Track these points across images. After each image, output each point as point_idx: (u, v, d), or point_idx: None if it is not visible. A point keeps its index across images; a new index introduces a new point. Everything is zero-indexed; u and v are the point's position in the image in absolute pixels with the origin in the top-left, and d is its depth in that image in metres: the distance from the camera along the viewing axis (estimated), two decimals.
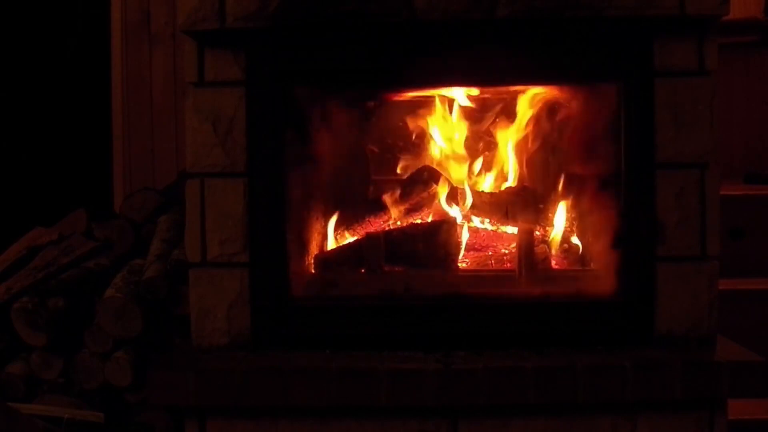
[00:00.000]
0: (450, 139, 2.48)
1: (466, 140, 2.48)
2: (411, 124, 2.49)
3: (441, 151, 2.50)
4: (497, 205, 2.39)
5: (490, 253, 2.39)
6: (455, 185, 2.45)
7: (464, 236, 2.35)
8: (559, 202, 2.36)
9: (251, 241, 2.11)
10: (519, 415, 1.99)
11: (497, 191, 2.46)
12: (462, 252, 2.33)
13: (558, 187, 2.37)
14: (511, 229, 2.39)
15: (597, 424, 1.99)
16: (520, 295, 2.17)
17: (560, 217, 2.34)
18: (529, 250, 2.22)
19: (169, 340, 2.31)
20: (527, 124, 2.42)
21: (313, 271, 2.29)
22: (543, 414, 1.99)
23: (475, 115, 2.47)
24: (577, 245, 2.34)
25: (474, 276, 2.29)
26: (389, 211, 2.45)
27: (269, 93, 2.11)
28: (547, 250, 2.32)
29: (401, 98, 2.46)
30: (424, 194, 2.43)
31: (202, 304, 2.12)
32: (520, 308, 2.12)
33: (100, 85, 3.52)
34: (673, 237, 2.07)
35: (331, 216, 2.41)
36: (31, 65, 3.67)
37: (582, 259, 2.33)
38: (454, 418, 2.00)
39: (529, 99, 2.39)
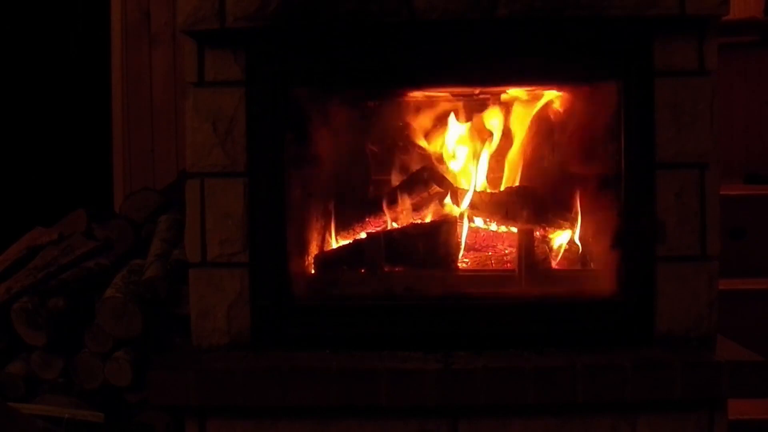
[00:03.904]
0: (451, 140, 2.48)
1: (466, 140, 2.48)
2: (413, 123, 2.49)
3: (443, 152, 2.50)
4: (497, 205, 2.39)
5: (490, 253, 2.39)
6: (455, 185, 2.45)
7: (464, 236, 2.35)
8: (559, 202, 2.36)
9: (251, 241, 2.11)
10: (519, 415, 1.99)
11: (497, 191, 2.46)
12: (462, 252, 2.33)
13: (558, 187, 2.37)
14: (511, 229, 2.39)
15: (597, 424, 1.99)
16: (520, 295, 2.17)
17: (563, 219, 2.35)
18: (529, 250, 2.22)
19: (169, 340, 2.31)
20: (527, 124, 2.42)
21: (313, 271, 2.29)
22: (543, 414, 1.99)
23: (475, 116, 2.47)
24: (577, 245, 2.34)
25: (474, 276, 2.29)
26: (389, 211, 2.44)
27: (269, 93, 2.11)
28: (547, 250, 2.32)
29: (401, 98, 2.46)
30: (424, 194, 2.43)
31: (202, 304, 2.13)
32: (520, 308, 2.12)
33: (100, 85, 3.52)
34: (673, 237, 2.07)
35: (331, 216, 2.41)
36: (31, 65, 3.67)
37: (582, 259, 2.33)
38: (454, 418, 2.00)
39: (529, 100, 2.39)
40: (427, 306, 2.14)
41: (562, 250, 2.35)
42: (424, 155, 2.52)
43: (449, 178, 2.46)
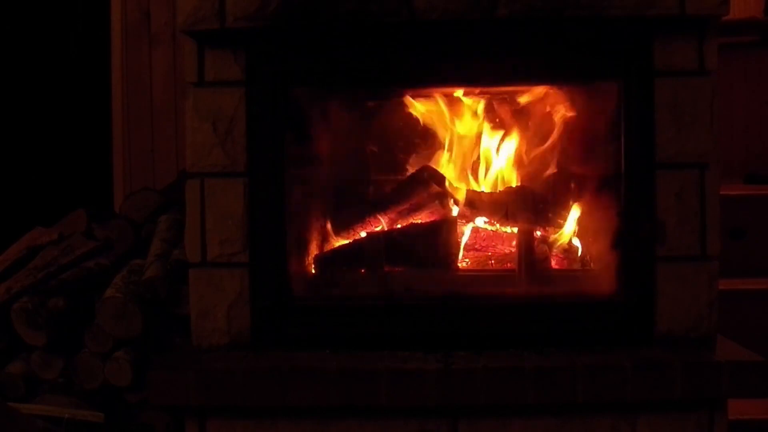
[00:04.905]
0: (451, 139, 2.48)
1: (466, 140, 2.48)
2: (413, 123, 2.50)
3: (443, 151, 2.50)
4: (497, 205, 2.39)
5: (490, 253, 2.39)
6: (455, 185, 2.44)
7: (464, 236, 2.35)
8: (559, 202, 2.36)
9: (251, 241, 2.11)
10: (519, 415, 1.99)
11: (497, 191, 2.46)
12: (462, 252, 2.33)
13: (558, 188, 2.37)
14: (511, 229, 2.39)
15: (597, 424, 1.99)
16: (520, 295, 2.17)
17: (563, 219, 2.34)
18: (529, 250, 2.22)
19: (169, 340, 2.31)
20: (527, 125, 2.42)
21: (313, 271, 2.29)
22: (543, 414, 1.99)
23: (475, 115, 2.47)
24: (576, 245, 2.34)
25: (474, 276, 2.29)
26: (389, 211, 2.44)
27: (269, 93, 2.11)
28: (547, 250, 2.32)
29: (401, 98, 2.46)
30: (424, 194, 2.43)
31: (202, 304, 2.13)
32: (520, 308, 2.12)
33: (100, 85, 3.52)
34: (673, 237, 2.07)
35: (331, 216, 2.40)
36: (31, 66, 3.67)
37: (582, 259, 2.33)
38: (454, 418, 2.00)
39: (528, 99, 2.39)
40: (427, 306, 2.14)
41: (561, 250, 2.35)
42: (424, 155, 2.52)
43: (449, 178, 2.45)
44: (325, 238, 2.39)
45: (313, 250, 2.32)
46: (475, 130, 2.47)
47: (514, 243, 2.31)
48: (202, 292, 2.13)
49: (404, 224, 2.41)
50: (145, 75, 3.46)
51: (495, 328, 2.10)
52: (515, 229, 2.34)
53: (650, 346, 2.06)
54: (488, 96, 2.43)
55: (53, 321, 2.32)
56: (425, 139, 2.52)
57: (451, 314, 2.12)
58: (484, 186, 2.48)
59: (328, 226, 2.40)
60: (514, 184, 2.45)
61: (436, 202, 2.42)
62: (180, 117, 3.18)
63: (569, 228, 2.35)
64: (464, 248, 2.36)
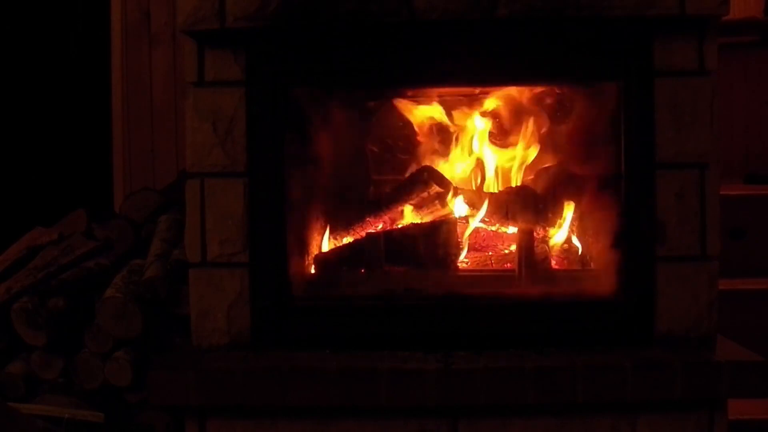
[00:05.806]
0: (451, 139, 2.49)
1: (466, 139, 2.48)
2: (414, 122, 2.50)
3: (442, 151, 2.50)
4: (497, 205, 2.39)
5: (490, 253, 2.39)
6: (455, 185, 2.44)
7: (465, 236, 2.35)
8: (559, 202, 2.36)
9: (251, 241, 2.11)
10: (519, 415, 1.99)
11: (497, 191, 2.46)
12: (462, 252, 2.33)
13: (558, 187, 2.37)
14: (511, 229, 2.39)
15: (597, 424, 1.99)
16: (520, 295, 2.17)
17: (562, 219, 2.35)
18: (529, 250, 2.22)
19: (169, 340, 2.31)
20: (526, 124, 2.42)
21: (313, 271, 2.29)
22: (543, 414, 1.99)
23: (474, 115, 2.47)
24: (576, 245, 2.34)
25: (474, 276, 2.29)
26: (389, 210, 2.44)
27: (269, 93, 2.11)
28: (547, 250, 2.32)
29: (401, 98, 2.46)
30: (424, 194, 2.43)
31: (202, 304, 2.13)
32: (520, 308, 2.12)
33: (100, 85, 3.52)
34: (673, 237, 2.07)
35: (331, 216, 2.40)
36: (31, 66, 3.67)
37: (582, 259, 2.33)
38: (454, 418, 2.00)
39: (528, 99, 2.39)
40: (427, 306, 2.14)
41: (561, 250, 2.35)
42: (424, 155, 2.52)
43: (449, 177, 2.45)
44: (325, 238, 2.39)
45: (313, 250, 2.32)
46: (474, 130, 2.47)
47: (514, 243, 2.32)
48: (202, 292, 2.13)
49: (404, 224, 2.41)
50: (145, 75, 3.46)
51: (495, 328, 2.10)
52: (515, 229, 2.34)
53: (650, 346, 2.06)
54: (487, 96, 2.43)
55: (53, 321, 2.32)
56: (425, 138, 2.52)
57: (451, 314, 2.12)
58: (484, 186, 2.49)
59: (328, 225, 2.40)
60: (514, 184, 2.45)
61: (436, 202, 2.42)
62: (180, 117, 3.18)
63: (569, 228, 2.35)
64: (464, 248, 2.36)
